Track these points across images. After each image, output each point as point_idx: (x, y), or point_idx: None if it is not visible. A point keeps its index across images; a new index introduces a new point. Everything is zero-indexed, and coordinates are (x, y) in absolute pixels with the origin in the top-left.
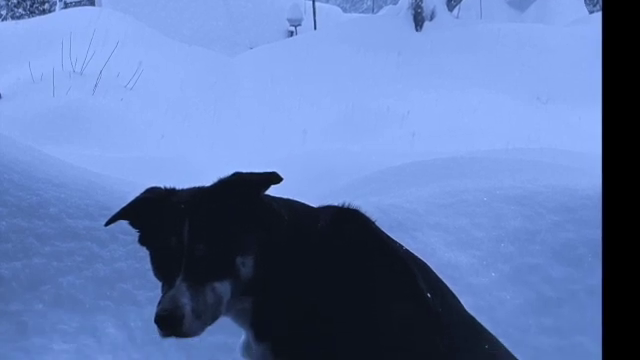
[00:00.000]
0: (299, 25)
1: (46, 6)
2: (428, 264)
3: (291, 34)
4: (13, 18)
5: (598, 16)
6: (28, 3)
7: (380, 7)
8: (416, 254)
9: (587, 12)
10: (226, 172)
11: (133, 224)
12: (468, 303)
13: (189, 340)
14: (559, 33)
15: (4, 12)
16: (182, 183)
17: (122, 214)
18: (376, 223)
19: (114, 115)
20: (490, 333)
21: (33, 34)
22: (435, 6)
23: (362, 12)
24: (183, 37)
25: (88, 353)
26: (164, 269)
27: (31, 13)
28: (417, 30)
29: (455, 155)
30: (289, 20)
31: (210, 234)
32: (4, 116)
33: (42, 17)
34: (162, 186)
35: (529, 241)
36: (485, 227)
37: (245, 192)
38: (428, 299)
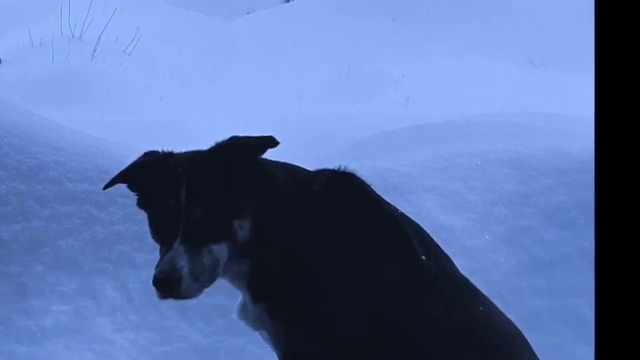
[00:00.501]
0: None
1: None
2: (423, 227)
3: (287, 0)
4: None
5: None
6: None
7: None
8: (411, 217)
9: None
10: (223, 136)
11: (131, 187)
12: (462, 265)
13: (186, 302)
14: None
15: None
16: (180, 146)
17: (120, 177)
18: (371, 186)
19: (113, 79)
20: (484, 295)
21: None
22: None
23: None
24: (181, 2)
25: (87, 314)
26: (162, 232)
27: None
28: None
29: (449, 119)
30: None
31: (207, 197)
32: (4, 80)
33: None
34: (160, 150)
35: (522, 204)
36: (479, 190)
37: (242, 156)
38: (422, 261)
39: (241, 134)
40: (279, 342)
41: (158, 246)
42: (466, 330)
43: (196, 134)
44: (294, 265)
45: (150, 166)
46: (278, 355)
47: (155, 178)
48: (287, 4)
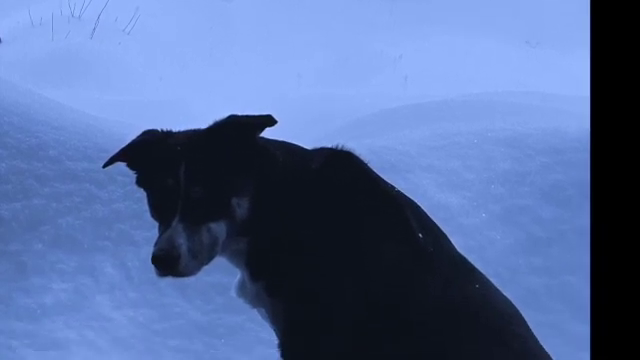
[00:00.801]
0: None
1: None
2: (420, 205)
3: None
4: None
5: None
6: None
7: None
8: (408, 195)
9: None
10: (222, 115)
11: (131, 166)
12: (459, 243)
13: (185, 280)
14: None
15: None
16: (179, 126)
17: (120, 156)
18: (369, 165)
19: (112, 59)
20: (480, 273)
21: None
22: None
23: None
24: None
25: (86, 292)
26: (161, 210)
27: None
28: None
29: (447, 98)
30: None
31: (206, 176)
32: (4, 60)
33: None
34: (159, 128)
35: (519, 182)
36: (476, 169)
37: (240, 134)
38: (420, 239)
39: (239, 113)
40: (277, 320)
41: (157, 224)
42: (463, 308)
43: (195, 113)
44: (292, 243)
45: (149, 145)
46: (276, 332)
47: (154, 157)
48: None
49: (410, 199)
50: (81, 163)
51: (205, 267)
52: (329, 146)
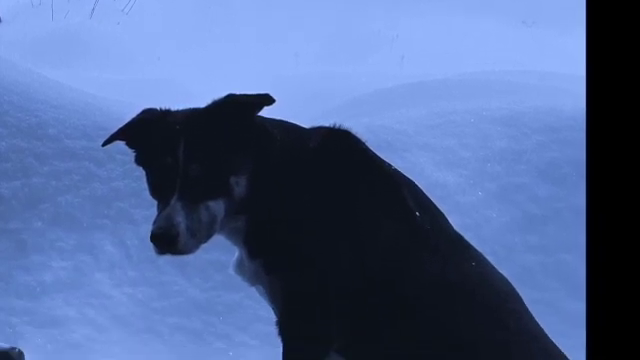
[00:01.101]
0: None
1: None
2: (416, 183)
3: None
4: None
5: None
6: None
7: None
8: (405, 174)
9: None
10: (220, 94)
11: (129, 144)
12: (455, 221)
13: (184, 257)
14: None
15: None
16: (177, 104)
17: (119, 134)
18: (366, 144)
19: (111, 38)
20: (477, 251)
21: None
22: None
23: None
24: None
25: (85, 270)
26: (159, 188)
27: None
28: None
29: (443, 77)
30: None
31: (204, 154)
32: (4, 39)
33: None
34: (158, 107)
35: (515, 161)
36: (472, 147)
37: (239, 113)
38: (416, 217)
39: (238, 92)
40: (275, 297)
41: (156, 202)
42: (459, 285)
43: (193, 92)
44: (290, 221)
45: (148, 123)
46: (274, 310)
47: (153, 135)
48: None
49: (407, 177)
50: (80, 141)
51: (204, 245)
52: (327, 125)
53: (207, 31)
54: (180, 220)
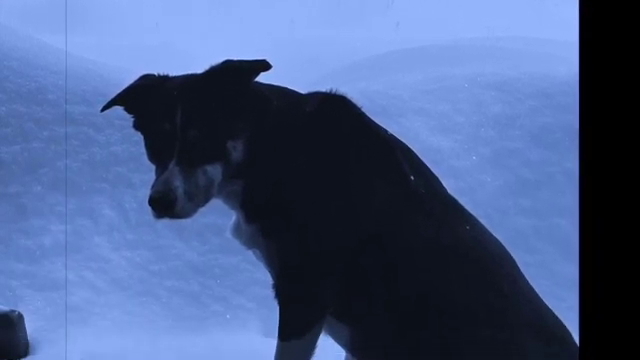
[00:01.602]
0: None
1: None
2: (411, 148)
3: None
4: None
5: None
6: None
7: None
8: (400, 138)
9: None
10: (217, 60)
11: (128, 110)
12: (450, 185)
13: (181, 221)
14: None
15: None
16: (175, 70)
17: (117, 100)
18: (362, 109)
19: (110, 4)
20: (471, 215)
21: None
22: None
23: None
24: None
25: (85, 234)
26: (158, 153)
27: None
28: None
29: (438, 43)
30: None
31: (202, 119)
32: (4, 6)
33: None
34: (156, 73)
35: (508, 126)
36: (466, 112)
37: (236, 79)
38: (411, 181)
39: (235, 58)
40: (272, 260)
41: (154, 167)
42: (453, 249)
43: (191, 58)
44: (286, 185)
45: (146, 89)
46: (271, 273)
47: (151, 101)
48: None
49: (402, 142)
50: (79, 107)
51: (201, 209)
52: (323, 90)
53: None
54: (178, 184)
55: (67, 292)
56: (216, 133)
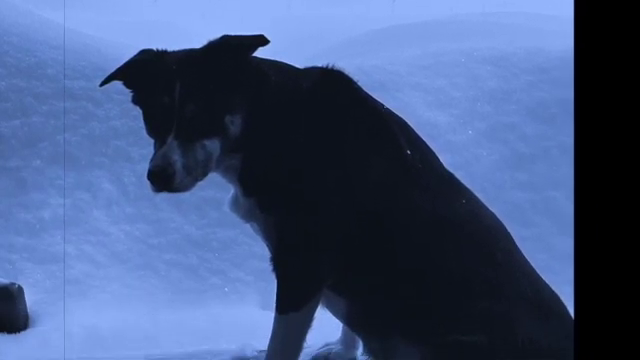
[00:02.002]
0: None
1: None
2: (408, 123)
3: None
4: None
5: None
6: None
7: None
8: (397, 113)
9: None
10: (216, 36)
11: (127, 84)
12: (446, 160)
13: (180, 195)
14: None
15: None
16: (174, 46)
17: (117, 75)
18: (359, 84)
19: None
20: (467, 189)
21: None
22: None
23: None
24: None
25: (84, 207)
26: (156, 128)
27: None
28: None
29: (434, 19)
30: None
31: (200, 94)
32: None
33: None
34: (155, 48)
35: (504, 100)
36: (462, 87)
37: (234, 54)
38: (407, 155)
39: (232, 34)
40: (269, 234)
41: (153, 141)
42: (449, 222)
43: (189, 34)
44: (284, 159)
45: (145, 64)
46: (268, 246)
47: (150, 76)
48: None
49: (399, 117)
50: (79, 82)
51: (199, 183)
52: (320, 65)
53: None
54: (176, 158)
55: (66, 265)
56: (214, 108)
